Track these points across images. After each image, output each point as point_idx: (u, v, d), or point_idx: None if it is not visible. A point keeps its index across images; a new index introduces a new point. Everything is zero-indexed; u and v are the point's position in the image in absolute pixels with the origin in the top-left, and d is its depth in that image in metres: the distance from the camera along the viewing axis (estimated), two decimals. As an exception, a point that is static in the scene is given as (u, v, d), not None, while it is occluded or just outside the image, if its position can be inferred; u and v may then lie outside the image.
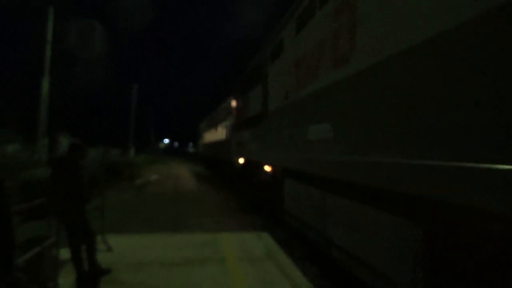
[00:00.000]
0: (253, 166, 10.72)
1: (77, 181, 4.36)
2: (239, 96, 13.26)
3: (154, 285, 4.34)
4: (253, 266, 5.08)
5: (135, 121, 37.14)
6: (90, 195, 4.59)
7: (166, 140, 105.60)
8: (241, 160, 12.70)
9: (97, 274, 4.50)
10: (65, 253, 4.63)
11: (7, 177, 10.54)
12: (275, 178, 8.25)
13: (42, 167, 12.40)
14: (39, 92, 16.41)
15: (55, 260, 4.31)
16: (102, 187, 6.33)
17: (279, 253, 5.80)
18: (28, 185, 9.69)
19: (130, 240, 6.32)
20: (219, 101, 23.66)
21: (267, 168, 9.00)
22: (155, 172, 24.05)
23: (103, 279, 4.43)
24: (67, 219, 4.28)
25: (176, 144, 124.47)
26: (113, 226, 7.66)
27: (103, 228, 5.92)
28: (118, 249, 5.67)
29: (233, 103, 14.96)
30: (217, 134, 21.27)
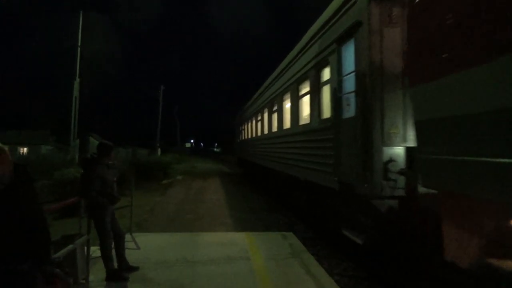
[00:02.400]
0: None
1: (106, 181, 4.49)
2: None
3: (180, 283, 4.41)
4: (278, 266, 5.08)
5: (161, 122, 38.00)
6: (119, 194, 4.72)
7: (191, 141, 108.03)
8: None
9: (126, 271, 4.63)
10: (95, 251, 4.79)
11: (42, 177, 11.00)
12: None
13: (74, 167, 12.88)
14: (71, 94, 17.04)
15: (86, 257, 4.45)
16: (131, 186, 6.49)
17: (304, 252, 5.76)
18: (61, 184, 10.08)
19: (157, 239, 6.45)
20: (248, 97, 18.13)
21: None
22: (181, 173, 24.40)
23: (132, 276, 4.55)
24: (98, 217, 4.42)
25: (201, 144, 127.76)
26: (141, 225, 7.86)
27: (132, 226, 6.08)
28: (145, 247, 5.80)
29: None
30: (284, 118, 9.89)
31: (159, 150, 36.14)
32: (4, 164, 2.26)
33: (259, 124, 14.75)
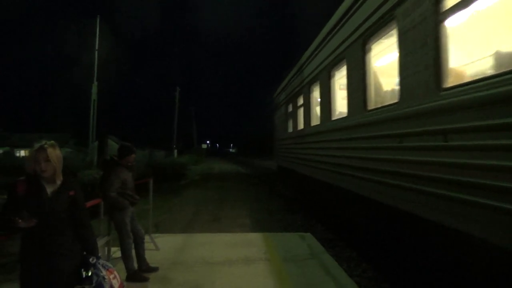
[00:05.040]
0: None
1: (126, 182, 4.53)
2: None
3: (199, 283, 4.41)
4: (297, 267, 5.03)
5: (178, 123, 38.43)
6: (138, 195, 4.76)
7: (207, 142, 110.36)
8: None
9: (145, 271, 4.66)
10: (115, 252, 4.84)
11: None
12: None
13: (93, 168, 13.10)
14: (89, 97, 17.37)
15: (107, 258, 4.51)
16: (149, 187, 6.54)
17: (324, 253, 5.69)
18: (82, 186, 10.22)
19: (176, 240, 6.48)
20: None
21: None
22: (198, 174, 24.56)
23: (152, 277, 4.58)
24: (118, 218, 4.47)
25: (217, 145, 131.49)
26: (159, 226, 7.92)
27: (151, 227, 6.12)
28: (164, 248, 5.83)
29: None
30: None
31: (175, 152, 36.50)
32: (59, 162, 2.47)
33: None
